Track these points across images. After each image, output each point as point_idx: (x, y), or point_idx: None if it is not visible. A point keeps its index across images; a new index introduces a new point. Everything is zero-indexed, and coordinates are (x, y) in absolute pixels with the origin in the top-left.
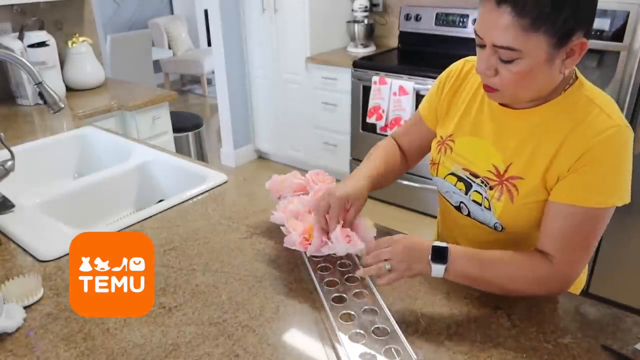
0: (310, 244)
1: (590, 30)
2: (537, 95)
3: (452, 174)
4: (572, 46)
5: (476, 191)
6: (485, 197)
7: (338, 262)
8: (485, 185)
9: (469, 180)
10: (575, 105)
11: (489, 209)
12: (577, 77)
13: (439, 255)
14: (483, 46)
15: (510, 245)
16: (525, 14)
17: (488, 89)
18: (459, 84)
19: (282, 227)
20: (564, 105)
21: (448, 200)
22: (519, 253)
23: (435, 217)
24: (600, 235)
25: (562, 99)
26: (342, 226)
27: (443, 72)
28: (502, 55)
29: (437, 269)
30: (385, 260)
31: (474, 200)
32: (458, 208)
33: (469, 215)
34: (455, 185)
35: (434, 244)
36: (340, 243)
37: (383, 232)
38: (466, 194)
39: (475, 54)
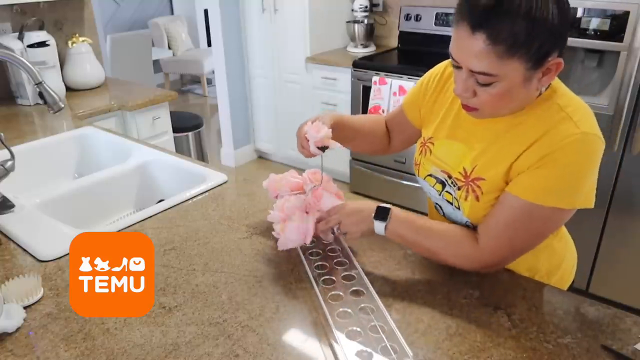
0: (287, 237)
1: (564, 47)
2: (514, 110)
3: (431, 175)
4: (548, 66)
5: (447, 191)
6: (455, 197)
7: (335, 260)
8: (454, 186)
9: (444, 181)
10: (546, 113)
11: (459, 208)
12: (549, 85)
13: (381, 214)
14: (459, 67)
15: None
16: (500, 41)
17: (467, 108)
18: (442, 87)
19: (273, 232)
20: (535, 112)
21: (431, 199)
22: (454, 228)
23: None
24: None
25: (533, 107)
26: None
27: (426, 74)
28: (479, 80)
29: (379, 227)
30: (337, 224)
31: (446, 200)
32: (437, 207)
33: (444, 215)
34: (433, 187)
35: (379, 205)
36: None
37: None
38: (440, 194)
39: None
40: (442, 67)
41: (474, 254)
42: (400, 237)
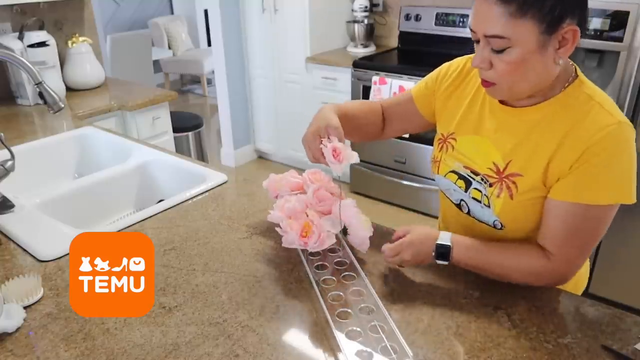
0: (307, 241)
1: (583, 18)
2: (535, 88)
3: (453, 171)
4: (563, 33)
5: (476, 188)
6: (485, 195)
7: (335, 260)
8: (485, 183)
9: (469, 178)
10: (575, 102)
11: (488, 206)
12: (577, 75)
13: (442, 255)
14: (477, 41)
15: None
16: (511, 0)
17: (485, 83)
18: (460, 81)
19: (277, 229)
20: (563, 102)
21: (449, 198)
22: (519, 245)
23: (435, 217)
24: (602, 234)
25: (561, 96)
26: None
27: (443, 65)
28: (493, 45)
29: (441, 262)
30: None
31: (473, 198)
32: (458, 206)
33: (468, 213)
34: (455, 183)
35: (437, 242)
36: (333, 162)
37: (382, 231)
38: (466, 191)
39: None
40: (462, 62)
41: (550, 269)
42: (464, 265)
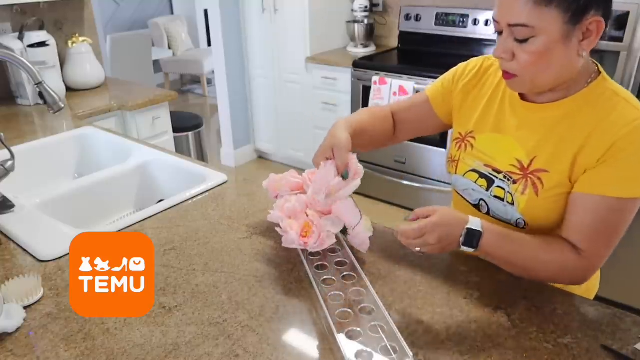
0: (307, 241)
1: (608, 10)
2: (557, 81)
3: (474, 170)
4: (587, 25)
5: (498, 187)
6: (509, 192)
7: (335, 260)
8: (509, 180)
9: (491, 177)
10: (600, 98)
11: (512, 203)
12: (599, 72)
13: (470, 242)
14: (500, 32)
15: None
16: None
17: (506, 75)
18: (477, 81)
19: (277, 229)
20: (588, 98)
21: (466, 199)
22: (552, 240)
23: None
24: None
25: (586, 92)
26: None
27: (460, 65)
28: (517, 35)
29: (467, 249)
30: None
31: (495, 196)
32: (477, 206)
33: (488, 213)
34: (476, 182)
35: (468, 227)
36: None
37: (382, 231)
38: (487, 190)
39: (474, 54)
40: (479, 62)
41: (580, 264)
42: (491, 257)
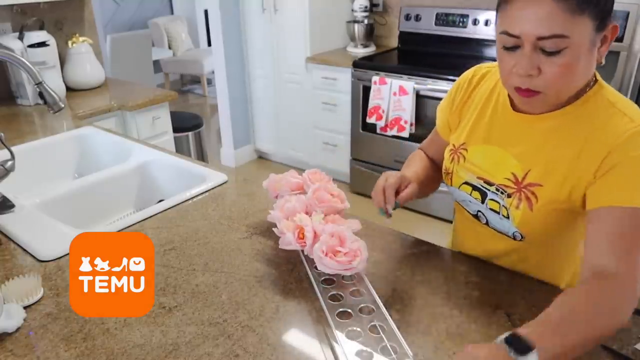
0: (305, 242)
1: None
2: (574, 91)
3: (467, 183)
4: (606, 32)
5: (492, 199)
6: (504, 206)
7: None
8: (502, 193)
9: (484, 189)
10: (596, 109)
11: (507, 217)
12: (596, 80)
13: (517, 343)
14: (517, 47)
15: (529, 254)
16: None
17: (528, 93)
18: (470, 92)
19: (274, 229)
20: (584, 109)
21: (466, 209)
22: (581, 295)
23: (435, 217)
24: None
25: (582, 102)
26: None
27: (453, 85)
28: (547, 47)
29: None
30: None
31: (491, 209)
32: (476, 217)
33: (487, 224)
34: (470, 195)
35: (501, 337)
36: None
37: (384, 231)
38: (482, 202)
39: (474, 54)
40: (469, 74)
41: (623, 289)
42: (565, 355)
